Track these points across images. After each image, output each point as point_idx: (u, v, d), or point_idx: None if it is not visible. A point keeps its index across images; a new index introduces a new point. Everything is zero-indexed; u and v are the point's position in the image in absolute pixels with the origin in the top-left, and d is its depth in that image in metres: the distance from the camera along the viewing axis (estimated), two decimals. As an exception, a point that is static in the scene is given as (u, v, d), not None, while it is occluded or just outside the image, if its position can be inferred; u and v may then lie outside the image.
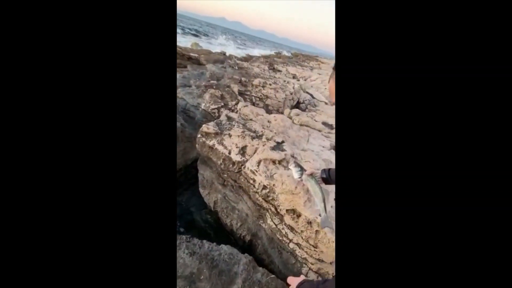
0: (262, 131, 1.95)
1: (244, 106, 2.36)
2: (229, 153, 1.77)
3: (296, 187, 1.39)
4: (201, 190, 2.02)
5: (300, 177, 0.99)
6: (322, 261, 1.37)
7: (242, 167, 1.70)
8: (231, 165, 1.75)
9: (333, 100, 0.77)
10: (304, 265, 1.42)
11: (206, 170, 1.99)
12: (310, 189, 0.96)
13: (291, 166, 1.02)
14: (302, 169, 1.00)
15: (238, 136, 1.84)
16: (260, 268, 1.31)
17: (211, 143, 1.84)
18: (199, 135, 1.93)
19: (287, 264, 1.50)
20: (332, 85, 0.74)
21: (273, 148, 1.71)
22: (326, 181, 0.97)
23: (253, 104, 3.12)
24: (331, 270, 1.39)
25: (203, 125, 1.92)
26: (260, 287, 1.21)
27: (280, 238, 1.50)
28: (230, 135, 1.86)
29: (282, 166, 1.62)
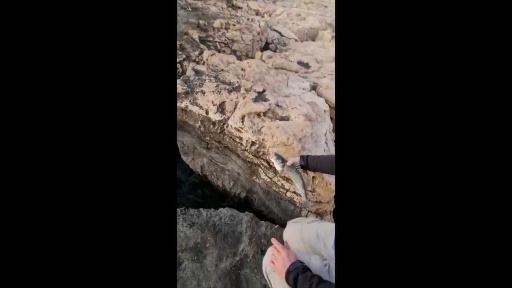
0: (238, 82, 1.73)
1: (211, 55, 2.03)
2: (207, 113, 1.57)
3: (288, 138, 1.30)
4: (183, 158, 1.87)
5: (282, 168, 1.07)
6: (320, 202, 1.42)
7: (225, 126, 1.54)
8: (211, 126, 1.58)
9: None
10: (303, 209, 1.46)
11: (184, 136, 1.80)
12: (292, 178, 1.05)
13: (273, 159, 1.09)
14: (283, 161, 1.07)
15: (213, 92, 1.61)
16: (263, 222, 1.33)
17: (183, 105, 1.61)
18: (166, 98, 1.66)
19: (287, 211, 1.55)
20: None
21: (255, 100, 1.55)
22: (305, 167, 1.05)
23: (219, 51, 2.73)
24: (328, 208, 1.46)
25: (169, 85, 1.63)
26: (267, 239, 1.23)
27: (277, 190, 1.49)
28: (203, 93, 1.63)
29: (268, 117, 1.50)
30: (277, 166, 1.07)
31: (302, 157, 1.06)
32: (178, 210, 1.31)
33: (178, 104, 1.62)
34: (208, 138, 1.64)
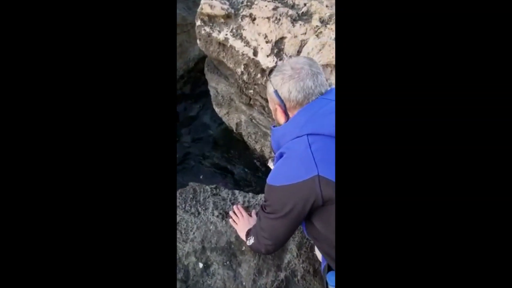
0: (308, 4, 1.09)
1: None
2: (255, 53, 1.05)
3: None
4: (216, 109, 1.47)
5: None
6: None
7: (279, 78, 1.04)
8: (259, 75, 1.08)
9: None
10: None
11: (219, 82, 1.34)
12: None
13: (270, 165, 1.06)
14: None
15: (268, 18, 1.03)
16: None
17: (221, 37, 1.08)
18: (198, 22, 1.13)
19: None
20: None
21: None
22: None
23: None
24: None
25: (202, 1, 1.07)
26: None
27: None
28: (252, 18, 1.06)
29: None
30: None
31: None
32: (208, 188, 1.02)
33: (215, 34, 1.09)
34: (251, 91, 1.17)
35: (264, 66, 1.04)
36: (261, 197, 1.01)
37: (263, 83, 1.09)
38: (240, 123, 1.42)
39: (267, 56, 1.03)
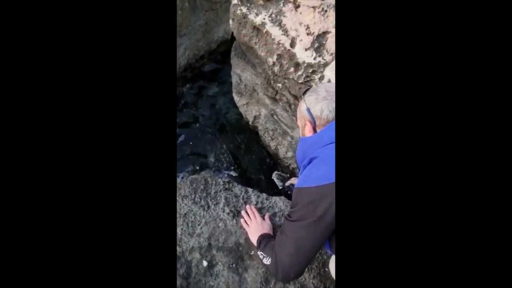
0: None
1: None
2: (292, 44, 0.96)
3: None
4: (235, 98, 1.39)
5: (282, 188, 1.01)
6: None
7: (314, 75, 0.96)
8: (292, 69, 1.00)
9: None
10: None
11: (245, 69, 1.25)
12: None
13: (274, 178, 1.06)
14: (284, 180, 1.01)
15: (313, 8, 0.94)
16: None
17: (258, 20, 0.99)
18: (234, 0, 1.03)
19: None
20: None
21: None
22: None
23: None
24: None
25: (244, -23, 0.97)
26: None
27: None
28: (296, 5, 0.96)
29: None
30: (278, 185, 1.04)
31: None
32: (221, 181, 0.95)
33: (251, 16, 1.00)
34: (280, 85, 1.09)
35: (299, 60, 0.96)
36: (275, 199, 0.95)
37: (295, 78, 1.00)
38: (258, 116, 1.34)
39: (306, 49, 0.94)
